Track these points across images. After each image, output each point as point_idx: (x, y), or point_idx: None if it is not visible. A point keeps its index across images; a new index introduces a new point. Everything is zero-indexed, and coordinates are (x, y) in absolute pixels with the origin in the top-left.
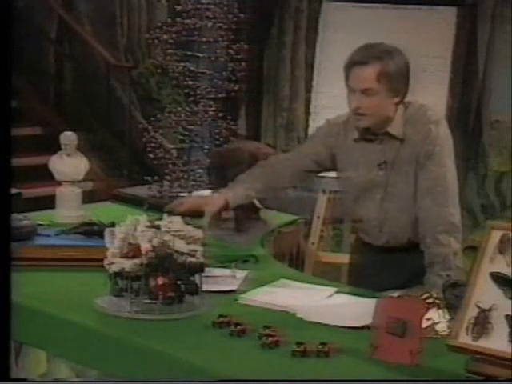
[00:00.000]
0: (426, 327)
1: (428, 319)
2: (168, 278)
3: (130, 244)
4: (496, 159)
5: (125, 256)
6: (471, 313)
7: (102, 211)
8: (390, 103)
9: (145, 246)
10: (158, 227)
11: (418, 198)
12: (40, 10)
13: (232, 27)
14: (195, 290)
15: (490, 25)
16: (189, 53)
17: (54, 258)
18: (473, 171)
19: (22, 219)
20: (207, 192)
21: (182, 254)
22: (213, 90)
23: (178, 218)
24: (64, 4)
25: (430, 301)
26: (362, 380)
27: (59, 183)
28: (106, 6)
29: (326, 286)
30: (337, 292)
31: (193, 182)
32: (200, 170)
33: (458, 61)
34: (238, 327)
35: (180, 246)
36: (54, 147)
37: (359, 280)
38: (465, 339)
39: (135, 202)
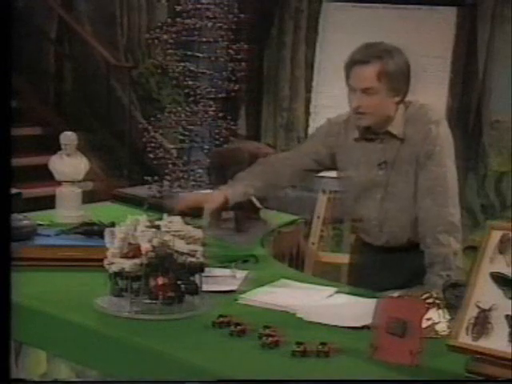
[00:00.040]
0: (426, 327)
1: (428, 319)
2: (168, 277)
3: (130, 244)
4: (496, 159)
5: (125, 256)
6: (471, 313)
7: (102, 211)
8: (390, 102)
9: (145, 246)
10: (158, 227)
11: (418, 198)
12: (40, 10)
13: (232, 27)
14: (195, 290)
15: (490, 25)
16: (189, 53)
17: (54, 258)
18: (473, 171)
19: (22, 219)
20: (207, 191)
21: (182, 253)
22: (213, 90)
23: (178, 218)
24: (64, 4)
25: (430, 301)
26: (362, 380)
27: (59, 183)
28: (106, 6)
29: (326, 285)
30: (337, 292)
31: (193, 182)
32: (200, 170)
33: (458, 61)
34: (238, 327)
35: (180, 246)
36: (54, 147)
37: (359, 280)
38: (465, 339)
39: (135, 202)
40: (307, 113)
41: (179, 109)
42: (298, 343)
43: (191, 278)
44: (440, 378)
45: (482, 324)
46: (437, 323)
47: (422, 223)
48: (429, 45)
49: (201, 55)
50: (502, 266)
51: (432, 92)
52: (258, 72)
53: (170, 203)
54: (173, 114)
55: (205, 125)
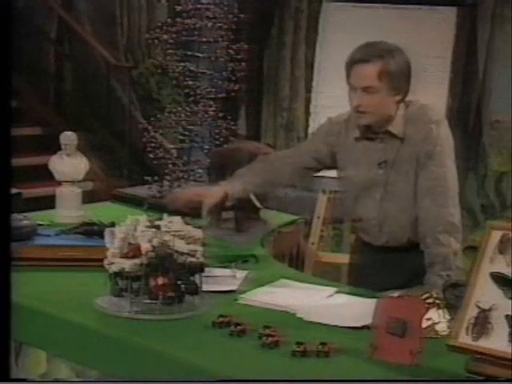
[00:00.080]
0: (426, 327)
1: (428, 319)
2: (168, 277)
3: (130, 244)
4: (496, 159)
5: (125, 256)
6: (471, 313)
7: (102, 211)
8: (391, 101)
9: (145, 246)
10: (158, 227)
11: (418, 198)
12: (40, 10)
13: (232, 27)
14: (195, 290)
15: (490, 25)
16: (189, 53)
17: (54, 258)
18: (473, 171)
19: (22, 219)
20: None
21: (182, 253)
22: (213, 90)
23: (177, 218)
24: (64, 4)
25: (430, 301)
26: (362, 380)
27: (59, 183)
28: (106, 6)
29: (326, 285)
30: (337, 292)
31: (193, 182)
32: (200, 170)
33: (458, 61)
34: (238, 327)
35: (180, 246)
36: (54, 147)
37: (359, 280)
38: (465, 339)
39: (135, 202)
40: (307, 113)
41: (179, 109)
42: (298, 343)
43: (191, 278)
44: (440, 378)
45: (482, 324)
46: (437, 323)
47: (422, 223)
48: (429, 45)
49: (201, 55)
50: (502, 266)
51: (432, 92)
52: (258, 72)
53: (169, 199)
54: (173, 114)
55: (205, 125)
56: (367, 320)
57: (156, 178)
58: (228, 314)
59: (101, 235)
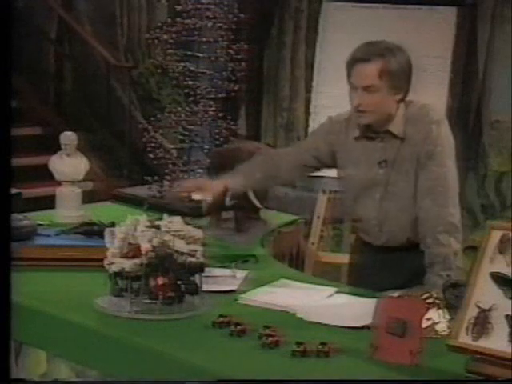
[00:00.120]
0: (426, 327)
1: (428, 319)
2: (168, 277)
3: (130, 244)
4: (496, 159)
5: (125, 256)
6: (471, 313)
7: (102, 211)
8: (391, 100)
9: (145, 246)
10: (158, 227)
11: (418, 198)
12: (40, 10)
13: (232, 27)
14: (195, 290)
15: (490, 25)
16: (189, 53)
17: (54, 258)
18: (473, 171)
19: (22, 219)
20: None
21: (182, 253)
22: (213, 90)
23: (178, 218)
24: (64, 4)
25: (430, 301)
26: (362, 380)
27: (59, 183)
28: (106, 6)
29: (326, 285)
30: (337, 292)
31: None
32: (200, 170)
33: (458, 61)
34: (238, 327)
35: (180, 246)
36: (54, 147)
37: (359, 280)
38: (465, 339)
39: (135, 202)
40: (307, 113)
41: (179, 109)
42: (298, 343)
43: (191, 278)
44: (440, 378)
45: (482, 324)
46: (437, 323)
47: (422, 223)
48: (429, 45)
49: (201, 55)
50: (502, 266)
51: (432, 92)
52: (258, 72)
53: (170, 194)
54: (173, 114)
55: (205, 125)
56: (367, 320)
57: (156, 177)
58: (228, 314)
59: (101, 235)
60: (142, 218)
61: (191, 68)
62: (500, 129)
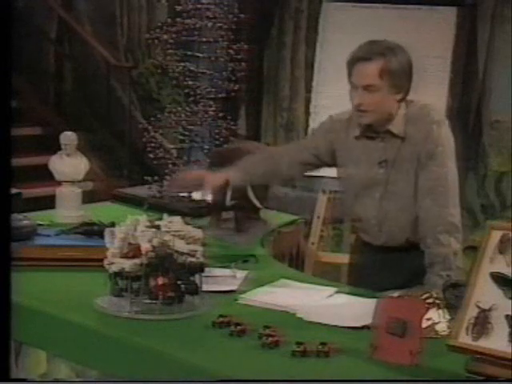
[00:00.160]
0: (426, 327)
1: (428, 319)
2: (168, 277)
3: (130, 244)
4: (496, 159)
5: (125, 256)
6: (471, 313)
7: (102, 211)
8: (392, 100)
9: (145, 246)
10: (158, 227)
11: (418, 198)
12: (40, 10)
13: (232, 27)
14: (195, 290)
15: (490, 25)
16: (189, 53)
17: (54, 258)
18: (473, 171)
19: (22, 219)
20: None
21: (182, 253)
22: (213, 90)
23: (178, 218)
24: (64, 4)
25: (430, 301)
26: (362, 380)
27: (59, 183)
28: (106, 6)
29: (326, 286)
30: (337, 292)
31: None
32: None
33: (458, 61)
34: (238, 327)
35: (180, 246)
36: (54, 147)
37: (359, 280)
38: (465, 339)
39: (135, 202)
40: (307, 113)
41: (179, 109)
42: (298, 343)
43: (191, 278)
44: (440, 378)
45: (482, 324)
46: (437, 323)
47: (423, 223)
48: (429, 45)
49: (201, 55)
50: (502, 266)
51: (432, 92)
52: (258, 72)
53: (170, 182)
54: (173, 114)
55: (205, 125)
56: (367, 320)
57: (156, 177)
58: (228, 314)
59: (101, 235)
60: (142, 218)
61: (191, 68)
62: (500, 129)
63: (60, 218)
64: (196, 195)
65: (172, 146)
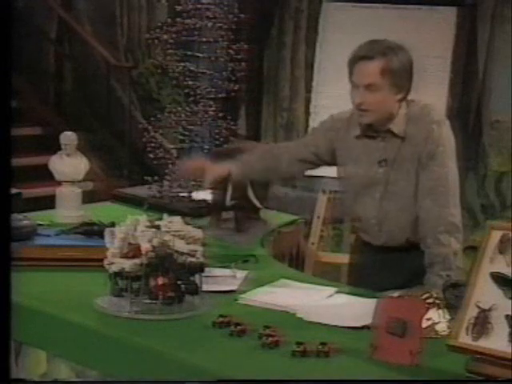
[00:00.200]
0: (426, 327)
1: (428, 319)
2: (168, 277)
3: (130, 244)
4: (496, 159)
5: (125, 256)
6: (471, 313)
7: (102, 211)
8: (393, 99)
9: (145, 246)
10: (158, 227)
11: (418, 198)
12: (40, 10)
13: (232, 27)
14: (195, 290)
15: (490, 25)
16: (189, 53)
17: (54, 258)
18: (473, 171)
19: (22, 219)
20: (207, 192)
21: (182, 253)
22: (213, 90)
23: (178, 218)
24: (64, 4)
25: (430, 301)
26: (362, 380)
27: (59, 183)
28: (106, 6)
29: (326, 285)
30: (337, 292)
31: (193, 182)
32: None
33: (458, 61)
34: (238, 327)
35: (180, 246)
36: (54, 147)
37: (359, 280)
38: (465, 339)
39: (135, 202)
40: (307, 113)
41: (179, 109)
42: (298, 343)
43: (191, 278)
44: (440, 378)
45: (481, 324)
46: (437, 323)
47: (423, 223)
48: (429, 45)
49: (201, 55)
50: (502, 266)
51: (432, 92)
52: (258, 72)
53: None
54: (173, 114)
55: (205, 125)
56: (367, 320)
57: (156, 177)
58: (228, 314)
59: (101, 235)
60: (142, 218)
61: (191, 68)
62: (500, 129)
63: (60, 218)
64: (196, 195)
65: (172, 146)
